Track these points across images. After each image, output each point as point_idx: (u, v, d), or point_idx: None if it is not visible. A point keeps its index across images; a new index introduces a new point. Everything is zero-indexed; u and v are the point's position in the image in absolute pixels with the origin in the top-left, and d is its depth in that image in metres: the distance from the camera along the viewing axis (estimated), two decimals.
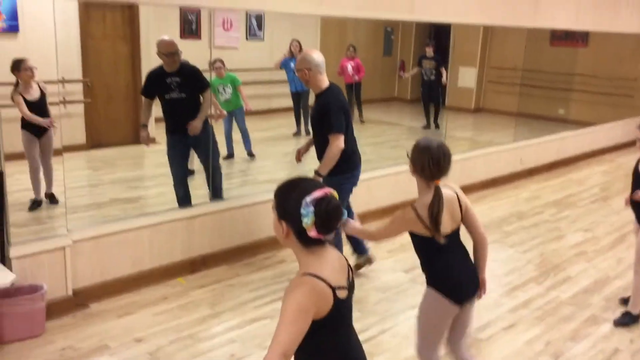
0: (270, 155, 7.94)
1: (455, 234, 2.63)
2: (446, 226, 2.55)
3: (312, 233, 1.70)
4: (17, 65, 4.59)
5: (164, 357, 3.40)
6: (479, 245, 2.73)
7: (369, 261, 4.61)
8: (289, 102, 8.75)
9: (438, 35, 10.36)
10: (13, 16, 5.64)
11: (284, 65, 8.46)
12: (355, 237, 4.59)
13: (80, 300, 3.94)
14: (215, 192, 5.04)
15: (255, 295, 4.21)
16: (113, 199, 5.66)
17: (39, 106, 4.81)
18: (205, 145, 4.95)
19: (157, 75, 4.79)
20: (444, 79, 9.44)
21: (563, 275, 4.76)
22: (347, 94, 9.27)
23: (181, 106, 4.79)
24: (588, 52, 10.46)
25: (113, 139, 7.18)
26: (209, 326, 3.76)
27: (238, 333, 3.69)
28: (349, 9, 5.24)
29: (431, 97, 9.85)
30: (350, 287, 1.85)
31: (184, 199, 4.92)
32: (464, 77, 10.94)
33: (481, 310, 4.07)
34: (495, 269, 4.79)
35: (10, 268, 3.55)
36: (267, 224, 5.03)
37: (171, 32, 8.32)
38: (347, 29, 10.61)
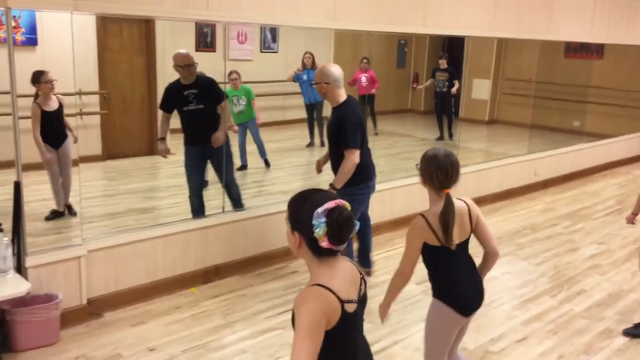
0: (284, 166, 7.98)
1: (464, 245, 2.63)
2: (455, 237, 2.55)
3: (324, 243, 1.72)
4: (37, 78, 4.69)
5: None
6: (489, 257, 2.74)
7: (367, 274, 4.63)
8: (303, 114, 8.79)
9: (451, 48, 10.37)
10: (32, 29, 5.76)
11: (297, 78, 8.52)
12: (364, 246, 4.62)
13: (94, 309, 3.99)
14: (236, 202, 5.10)
15: (268, 306, 4.22)
16: (128, 209, 5.72)
17: (57, 118, 4.93)
18: (222, 157, 5.00)
19: (174, 89, 4.87)
20: (454, 89, 9.46)
21: (577, 288, 4.73)
22: (368, 106, 9.32)
23: (199, 118, 4.85)
24: (603, 64, 10.40)
25: (128, 150, 7.26)
26: (221, 336, 3.78)
27: (250, 343, 3.71)
28: (363, 22, 5.29)
29: (444, 108, 9.88)
30: (362, 301, 1.86)
31: (198, 209, 4.97)
32: (478, 89, 10.92)
33: (494, 322, 4.06)
34: (509, 282, 4.77)
35: (26, 277, 3.60)
36: (280, 235, 5.05)
37: (187, 44, 8.42)
38: (361, 42, 10.64)
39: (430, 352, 2.75)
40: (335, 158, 4.24)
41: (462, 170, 6.88)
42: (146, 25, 7.30)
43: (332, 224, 1.71)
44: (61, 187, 5.12)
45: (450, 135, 9.74)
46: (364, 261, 4.69)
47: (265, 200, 5.45)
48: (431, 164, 2.57)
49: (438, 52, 10.28)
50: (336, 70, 4.13)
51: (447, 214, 2.50)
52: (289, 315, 4.04)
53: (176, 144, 7.56)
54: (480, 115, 11.29)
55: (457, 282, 2.64)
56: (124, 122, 7.22)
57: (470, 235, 2.66)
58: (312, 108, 8.59)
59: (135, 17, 5.05)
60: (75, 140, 5.07)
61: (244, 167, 7.24)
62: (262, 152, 7.38)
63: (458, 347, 2.88)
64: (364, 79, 9.20)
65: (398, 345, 3.75)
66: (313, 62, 8.45)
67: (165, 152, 5.06)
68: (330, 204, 1.72)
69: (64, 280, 3.81)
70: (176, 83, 4.89)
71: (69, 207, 5.10)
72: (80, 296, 3.91)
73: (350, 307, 1.77)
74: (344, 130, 4.07)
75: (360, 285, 1.86)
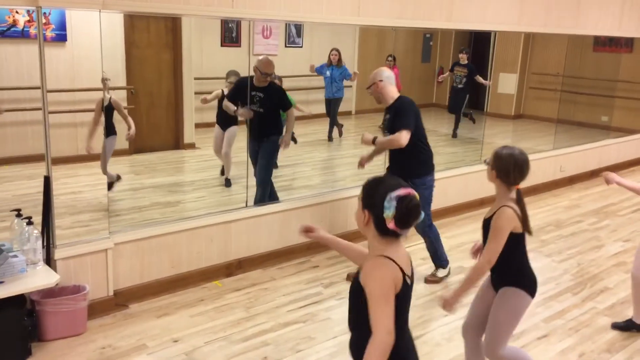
0: (307, 160, 8.02)
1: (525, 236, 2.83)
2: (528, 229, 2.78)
3: (390, 225, 1.87)
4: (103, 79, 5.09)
5: (200, 357, 3.50)
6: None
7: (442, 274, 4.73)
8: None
9: (477, 42, 10.27)
10: (62, 26, 5.88)
11: (318, 70, 8.55)
12: (436, 248, 4.69)
13: (120, 300, 4.08)
14: (272, 196, 5.31)
15: (290, 300, 4.28)
16: (153, 202, 5.82)
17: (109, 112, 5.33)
18: (269, 155, 5.32)
19: (245, 86, 5.16)
20: (482, 80, 9.36)
21: (600, 285, 4.69)
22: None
23: (258, 118, 5.21)
24: (633, 58, 10.21)
25: (155, 144, 7.38)
26: (244, 328, 3.85)
27: (272, 336, 3.76)
28: (387, 18, 5.29)
29: (457, 104, 9.77)
30: (412, 280, 2.00)
31: (262, 196, 5.18)
32: (504, 83, 10.81)
33: None
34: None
35: (55, 269, 3.70)
36: None
37: (212, 40, 8.51)
38: (386, 36, 10.61)
39: (501, 339, 2.85)
40: (394, 154, 4.40)
41: (486, 166, 6.83)
42: (173, 21, 7.40)
43: (402, 209, 1.86)
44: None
45: (455, 136, 9.66)
46: (440, 261, 4.71)
47: (288, 195, 5.50)
48: (508, 161, 2.73)
49: (463, 47, 10.19)
50: (387, 70, 4.41)
51: (523, 205, 2.74)
52: (310, 309, 4.12)
53: (203, 138, 7.67)
54: (506, 110, 11.17)
55: (527, 265, 2.84)
56: (150, 117, 7.34)
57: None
58: (330, 103, 8.64)
59: (162, 14, 5.12)
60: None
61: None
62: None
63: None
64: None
65: (419, 341, 3.75)
66: (339, 60, 8.47)
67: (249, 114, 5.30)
68: (402, 191, 1.88)
69: (92, 272, 3.91)
70: (246, 80, 5.18)
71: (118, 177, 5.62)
72: (107, 288, 4.00)
73: (409, 280, 1.95)
74: (401, 115, 4.25)
75: (411, 268, 2.01)
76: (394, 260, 1.89)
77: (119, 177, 5.69)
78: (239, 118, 5.84)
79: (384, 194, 1.88)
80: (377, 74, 4.37)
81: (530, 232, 2.78)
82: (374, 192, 1.92)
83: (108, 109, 5.26)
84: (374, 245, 1.96)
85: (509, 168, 2.73)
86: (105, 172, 5.36)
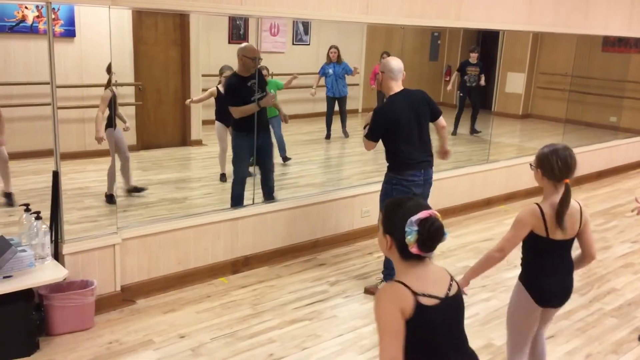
0: (313, 158, 8.03)
1: (567, 244, 2.72)
2: (560, 233, 2.66)
3: (413, 249, 1.82)
4: (110, 68, 5.06)
5: (206, 353, 3.51)
6: (585, 259, 2.84)
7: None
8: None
9: (485, 41, 10.25)
10: (70, 22, 5.90)
11: (322, 72, 8.55)
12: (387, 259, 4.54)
13: (127, 296, 4.10)
14: (272, 191, 5.19)
15: (296, 297, 4.28)
16: (160, 199, 5.84)
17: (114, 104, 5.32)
18: (269, 147, 5.19)
19: (239, 83, 4.96)
20: (482, 82, 9.37)
21: (608, 286, 4.67)
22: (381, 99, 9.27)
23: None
24: None
25: (162, 140, 7.40)
26: (250, 325, 3.85)
27: (277, 333, 3.77)
28: (396, 16, 5.28)
29: (475, 104, 9.72)
30: (449, 301, 1.87)
31: (239, 197, 5.04)
32: (512, 83, 10.78)
33: None
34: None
35: (63, 264, 3.72)
36: (308, 227, 5.11)
37: (220, 37, 8.52)
38: (394, 34, 10.61)
39: (510, 340, 2.86)
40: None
41: (493, 165, 6.85)
42: (181, 18, 7.41)
43: (424, 232, 1.79)
44: (121, 172, 5.57)
45: (474, 131, 9.60)
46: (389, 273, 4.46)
47: (294, 192, 5.50)
48: (551, 157, 2.69)
49: (471, 45, 10.15)
50: (395, 63, 4.20)
51: (565, 202, 2.62)
52: (316, 307, 4.13)
53: (210, 135, 7.67)
54: (514, 109, 11.14)
55: (545, 273, 2.72)
56: (157, 114, 7.36)
57: (574, 237, 2.73)
58: (335, 101, 8.62)
59: (171, 11, 5.13)
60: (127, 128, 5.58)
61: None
62: (281, 149, 7.38)
63: (544, 333, 2.98)
64: None
65: None
66: (338, 57, 8.46)
67: (272, 99, 5.17)
68: (423, 214, 1.81)
69: (99, 268, 3.92)
70: (236, 77, 4.99)
71: (136, 188, 5.65)
72: (114, 283, 4.02)
73: (428, 301, 1.82)
74: (370, 120, 4.19)
75: (449, 287, 1.90)
76: (406, 285, 1.82)
77: (137, 189, 5.76)
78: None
79: (404, 218, 1.82)
80: (382, 65, 4.25)
81: (560, 225, 2.61)
82: (394, 217, 1.86)
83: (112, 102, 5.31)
84: (397, 269, 1.91)
85: (552, 164, 2.67)
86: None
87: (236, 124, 5.13)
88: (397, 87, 4.22)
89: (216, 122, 6.40)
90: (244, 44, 5.07)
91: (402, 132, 4.17)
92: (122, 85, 6.37)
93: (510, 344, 2.87)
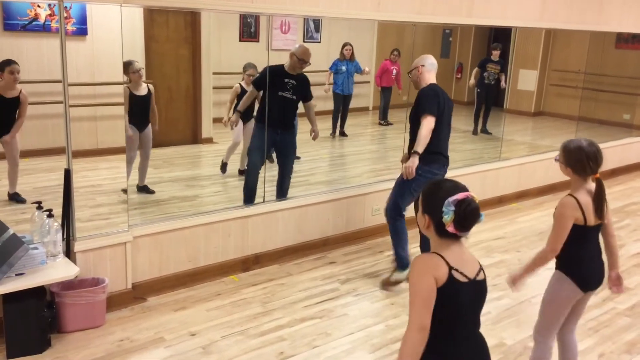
0: (324, 156, 8.01)
1: (599, 228, 2.83)
2: (595, 219, 2.76)
3: (450, 228, 1.91)
4: (126, 68, 5.26)
5: (216, 351, 3.51)
6: (612, 242, 2.92)
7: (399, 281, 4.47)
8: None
9: (497, 38, 10.18)
10: (82, 20, 5.91)
11: (333, 68, 8.52)
12: (394, 245, 4.52)
13: (138, 293, 4.11)
14: (284, 192, 5.23)
15: (306, 295, 4.28)
16: (171, 196, 5.85)
17: (144, 103, 5.62)
18: (289, 147, 5.29)
19: (277, 72, 5.07)
20: (502, 83, 9.27)
21: None
22: (384, 97, 9.22)
23: (288, 106, 5.14)
24: None
25: (173, 138, 7.41)
26: (260, 323, 3.85)
27: (288, 331, 3.77)
28: (407, 13, 5.25)
29: (487, 101, 9.64)
30: (476, 284, 1.99)
31: (252, 192, 5.08)
32: (524, 80, 10.70)
33: (534, 318, 4.00)
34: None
35: (74, 261, 3.74)
36: (319, 225, 5.11)
37: (231, 34, 8.52)
38: (405, 31, 10.57)
39: (544, 323, 2.94)
40: (412, 133, 4.37)
41: (505, 163, 6.83)
42: (192, 16, 7.41)
43: (460, 213, 1.89)
44: (139, 169, 5.77)
45: (486, 132, 9.53)
46: (402, 263, 4.48)
47: (305, 190, 5.49)
48: (579, 153, 2.75)
49: (485, 42, 10.07)
50: (432, 58, 4.40)
51: (601, 195, 2.73)
52: (326, 305, 4.12)
53: (220, 133, 7.68)
54: (526, 107, 11.07)
55: (585, 259, 2.84)
56: (169, 111, 7.37)
57: (603, 221, 2.82)
58: (343, 99, 8.61)
59: (182, 9, 5.14)
60: (155, 129, 5.80)
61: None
62: None
63: (575, 328, 3.06)
64: (395, 71, 9.09)
65: None
66: (352, 54, 8.44)
67: (235, 123, 5.43)
68: (460, 195, 1.91)
69: (110, 265, 3.94)
70: (280, 68, 5.11)
71: (145, 187, 5.73)
72: (125, 281, 4.03)
73: (459, 276, 1.93)
74: (421, 101, 4.24)
75: (478, 272, 2.02)
76: (441, 255, 1.93)
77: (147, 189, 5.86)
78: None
79: (442, 199, 1.91)
80: (421, 59, 4.38)
81: (601, 218, 2.76)
82: (433, 197, 1.96)
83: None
84: (434, 246, 2.01)
85: (583, 161, 2.74)
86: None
87: (260, 115, 5.21)
88: (433, 79, 4.39)
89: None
90: (299, 44, 5.27)
91: (443, 118, 4.30)
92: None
93: (544, 324, 2.94)
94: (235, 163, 6.64)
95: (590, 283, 2.88)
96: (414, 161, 4.19)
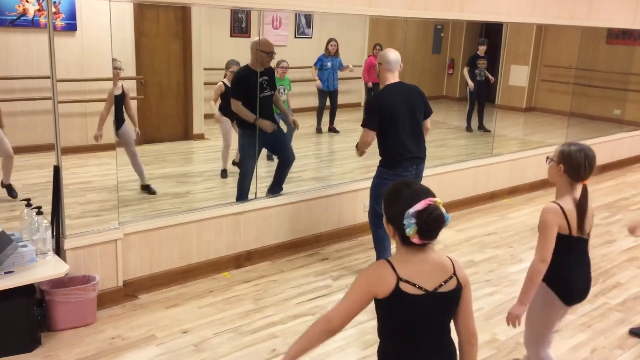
0: (314, 152, 8.00)
1: (585, 240, 2.73)
2: (582, 230, 2.66)
3: (415, 240, 1.83)
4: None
5: (208, 348, 3.49)
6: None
7: None
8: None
9: (488, 33, 10.19)
10: (71, 15, 5.86)
11: (318, 64, 8.51)
12: (382, 254, 4.51)
13: (130, 291, 4.08)
14: (283, 181, 5.23)
15: (298, 292, 4.26)
16: (163, 193, 5.82)
17: (119, 102, 5.44)
18: (282, 137, 5.28)
19: (248, 76, 4.94)
20: (490, 77, 9.30)
21: (612, 281, 4.64)
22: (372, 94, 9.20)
23: (268, 103, 5.09)
24: None
25: (164, 134, 7.37)
26: (252, 320, 3.83)
27: (280, 328, 3.75)
28: (399, 8, 5.24)
29: (480, 98, 9.64)
30: (438, 296, 1.88)
31: (246, 192, 5.03)
32: (516, 76, 10.73)
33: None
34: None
35: (64, 259, 3.70)
36: (311, 221, 5.09)
37: (222, 30, 8.48)
38: (396, 27, 10.56)
39: (534, 335, 2.85)
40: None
41: (497, 159, 6.84)
42: (182, 11, 7.37)
43: (422, 224, 1.79)
44: (133, 168, 5.72)
45: (483, 129, 9.52)
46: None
47: (297, 187, 5.47)
48: (579, 156, 2.65)
49: (476, 38, 10.09)
50: (392, 55, 4.23)
51: (585, 203, 2.62)
52: (319, 302, 4.10)
53: (212, 129, 7.65)
54: (518, 103, 11.10)
55: (569, 271, 2.72)
56: (159, 107, 7.33)
57: (589, 233, 2.73)
58: (327, 95, 8.60)
59: (172, 4, 5.10)
60: (137, 134, 5.73)
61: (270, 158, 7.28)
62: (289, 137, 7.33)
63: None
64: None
65: None
66: (337, 50, 8.44)
67: (272, 127, 5.11)
68: (420, 205, 1.80)
69: (101, 263, 3.90)
70: (247, 70, 4.98)
71: (148, 187, 5.74)
72: (116, 278, 4.00)
73: (410, 289, 1.85)
74: (364, 110, 4.25)
75: (446, 281, 1.90)
76: (392, 265, 1.87)
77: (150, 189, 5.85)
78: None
79: (401, 210, 1.82)
80: (380, 56, 4.28)
81: (581, 234, 2.64)
82: (392, 208, 1.88)
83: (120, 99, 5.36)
84: (397, 252, 1.95)
85: (580, 163, 2.64)
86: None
87: (241, 120, 5.09)
88: (392, 79, 4.25)
89: (224, 118, 6.38)
90: (258, 38, 5.06)
91: (396, 121, 4.19)
92: (123, 79, 6.32)
93: (530, 340, 2.86)
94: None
95: (572, 297, 2.77)
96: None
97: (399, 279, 1.85)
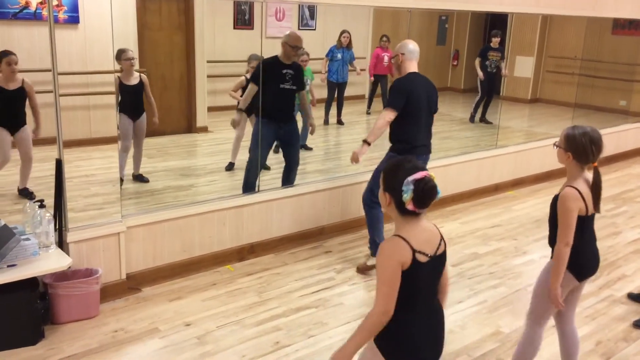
0: (320, 145, 7.97)
1: (593, 217, 2.81)
2: (598, 208, 2.76)
3: (409, 206, 2.01)
4: (119, 55, 5.24)
5: (212, 341, 3.49)
6: None
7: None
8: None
9: (493, 24, 10.12)
10: (74, 8, 5.84)
11: (329, 54, 8.46)
12: (371, 233, 4.51)
13: (133, 284, 4.08)
14: (292, 182, 5.20)
15: (302, 285, 4.25)
16: (166, 186, 5.82)
17: (136, 92, 5.55)
18: (294, 138, 5.25)
19: (273, 65, 4.98)
20: (504, 71, 9.22)
21: (618, 273, 4.62)
22: (381, 86, 9.17)
23: (289, 97, 5.09)
24: None
25: (167, 127, 7.35)
26: (256, 313, 3.83)
27: (283, 321, 3.75)
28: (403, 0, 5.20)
29: (490, 90, 9.55)
30: (436, 259, 2.09)
31: (252, 185, 5.01)
32: (521, 67, 10.66)
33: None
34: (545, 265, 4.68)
35: (67, 252, 3.70)
36: (314, 214, 5.08)
37: (225, 22, 8.45)
38: (400, 18, 10.50)
39: (537, 310, 2.90)
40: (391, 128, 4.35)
41: (502, 150, 6.79)
42: (185, 3, 7.34)
43: (418, 191, 1.99)
44: (134, 157, 5.78)
45: (484, 119, 9.46)
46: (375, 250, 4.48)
47: (300, 179, 5.45)
48: (583, 139, 2.68)
49: (481, 29, 10.02)
50: (413, 45, 4.31)
51: (600, 183, 2.71)
52: (322, 294, 4.10)
53: (215, 122, 7.64)
54: (523, 94, 11.04)
55: (581, 248, 2.77)
56: (162, 100, 7.30)
57: (599, 211, 2.80)
58: (337, 87, 8.56)
59: None
60: (155, 124, 5.79)
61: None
62: (304, 136, 7.31)
63: (573, 317, 3.03)
64: (386, 58, 9.02)
65: None
66: (350, 42, 8.39)
67: (237, 124, 5.28)
68: (418, 175, 2.00)
69: (104, 256, 3.90)
70: (274, 59, 5.01)
71: (140, 176, 5.76)
72: (119, 271, 4.00)
73: (422, 258, 2.03)
74: (390, 92, 4.22)
75: (438, 246, 2.11)
76: (405, 239, 2.01)
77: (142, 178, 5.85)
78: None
79: (402, 178, 2.00)
80: (401, 46, 4.31)
81: (598, 211, 2.76)
82: (393, 177, 2.05)
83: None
84: (396, 224, 2.10)
85: (586, 147, 2.68)
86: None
87: (261, 109, 5.09)
88: (412, 68, 4.32)
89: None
90: (288, 31, 5.13)
91: (419, 109, 4.25)
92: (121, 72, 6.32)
93: (534, 316, 2.92)
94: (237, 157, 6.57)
95: (586, 273, 2.87)
96: (362, 150, 4.25)
97: (414, 250, 2.01)
